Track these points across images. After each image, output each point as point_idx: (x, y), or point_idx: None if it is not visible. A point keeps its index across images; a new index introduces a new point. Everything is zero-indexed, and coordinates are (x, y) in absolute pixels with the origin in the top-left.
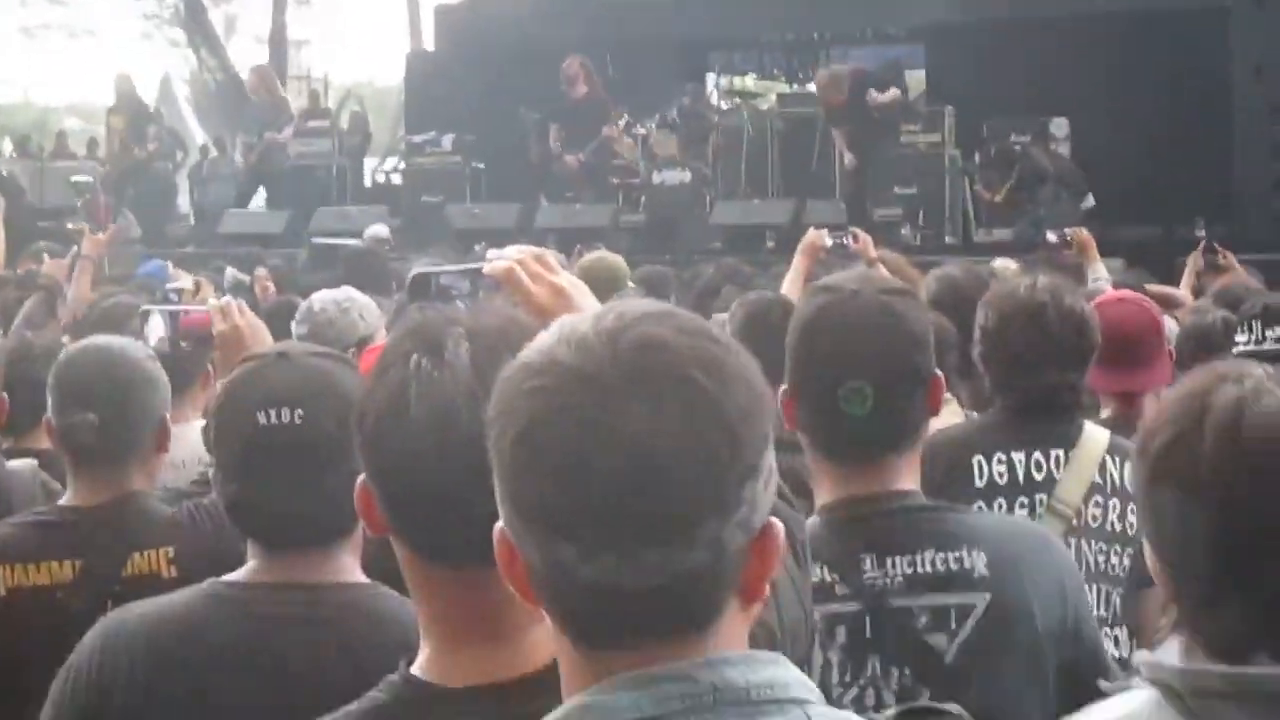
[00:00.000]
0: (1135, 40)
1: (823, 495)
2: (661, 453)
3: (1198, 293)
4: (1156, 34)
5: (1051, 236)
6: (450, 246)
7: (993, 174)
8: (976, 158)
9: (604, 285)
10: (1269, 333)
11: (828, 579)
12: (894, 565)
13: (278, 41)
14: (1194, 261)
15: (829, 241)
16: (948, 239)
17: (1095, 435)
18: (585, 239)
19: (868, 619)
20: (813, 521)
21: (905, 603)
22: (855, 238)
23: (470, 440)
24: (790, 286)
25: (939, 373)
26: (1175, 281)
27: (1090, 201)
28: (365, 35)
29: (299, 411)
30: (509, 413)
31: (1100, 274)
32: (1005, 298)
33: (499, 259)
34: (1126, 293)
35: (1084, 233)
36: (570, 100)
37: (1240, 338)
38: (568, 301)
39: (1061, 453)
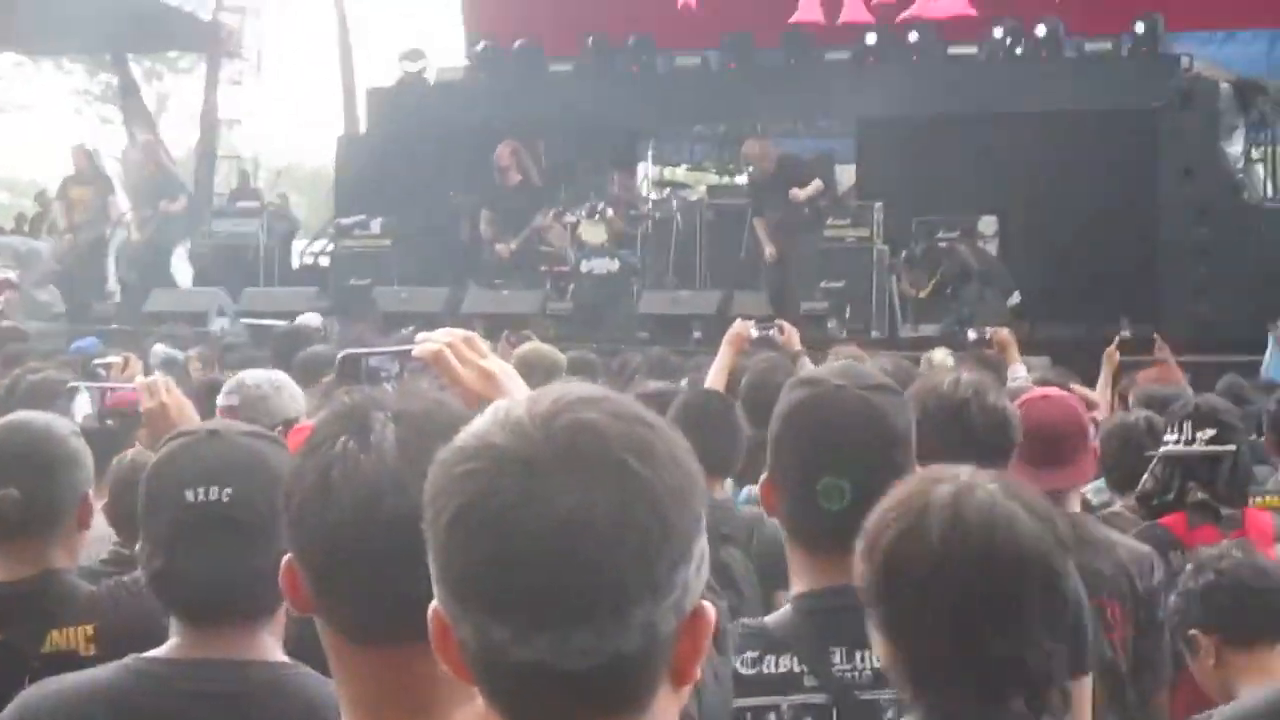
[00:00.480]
0: (1065, 139)
1: (797, 585)
2: (594, 535)
3: (1123, 391)
4: (1086, 134)
5: (972, 334)
6: (377, 329)
7: (918, 271)
8: (903, 254)
9: (541, 376)
10: (1199, 434)
11: (796, 669)
12: (863, 659)
13: (209, 120)
14: (1110, 360)
15: (755, 333)
16: (874, 333)
17: None
18: (513, 325)
19: (835, 711)
20: (784, 611)
21: (873, 696)
22: (781, 330)
23: (394, 522)
24: (715, 377)
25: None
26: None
27: (1016, 299)
28: (298, 116)
29: (227, 490)
30: (443, 494)
31: (1019, 373)
32: (928, 392)
33: (428, 341)
34: (1052, 390)
35: (1004, 332)
36: (502, 187)
37: (1169, 436)
38: (496, 385)
39: None
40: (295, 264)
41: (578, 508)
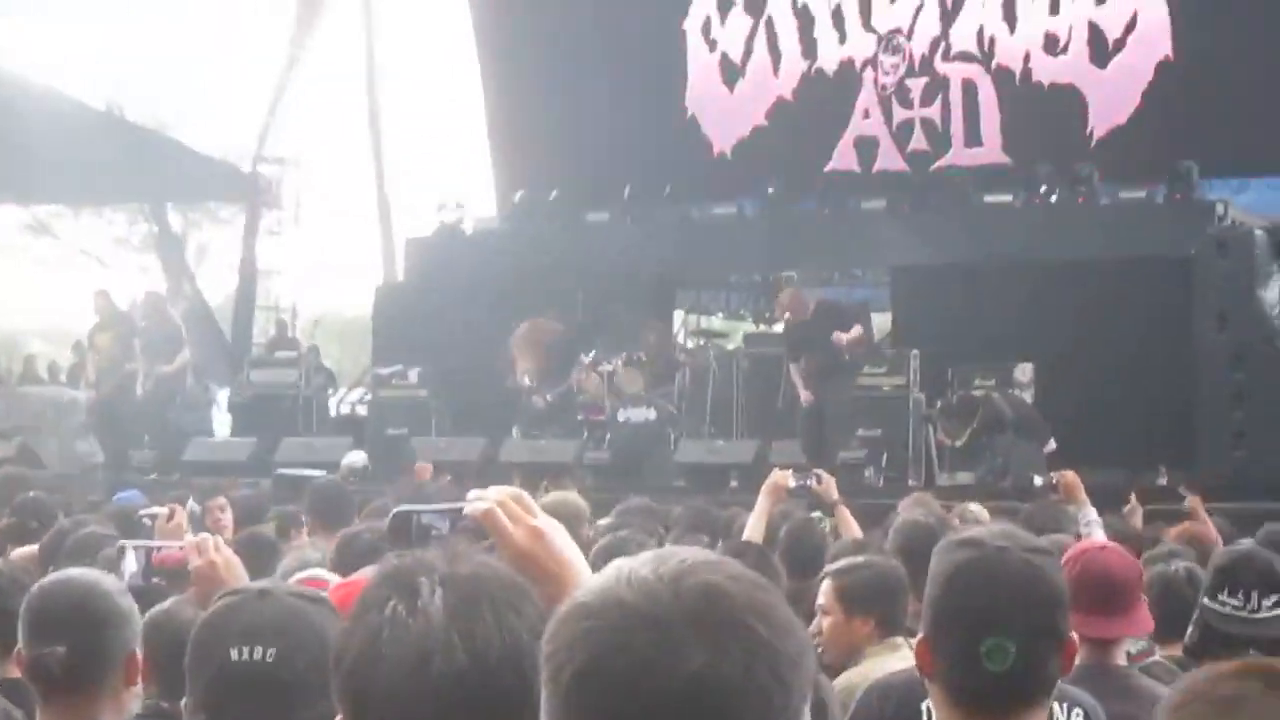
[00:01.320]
0: (1100, 286)
1: None
2: (720, 695)
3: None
4: (1121, 281)
5: (1038, 480)
6: (416, 480)
7: (954, 420)
8: (938, 404)
9: (566, 525)
10: (1264, 601)
11: None
12: None
13: (248, 270)
14: (1134, 506)
15: (793, 483)
16: (910, 482)
17: None
18: (550, 474)
19: None
20: None
21: None
22: (819, 480)
23: (442, 685)
24: (754, 527)
25: (1074, 635)
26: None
27: (1052, 445)
28: (336, 266)
29: (271, 650)
30: (567, 649)
31: (1090, 516)
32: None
33: (479, 500)
34: (1109, 542)
35: (1070, 474)
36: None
37: (1229, 599)
38: (546, 544)
39: None
40: (333, 413)
41: (706, 667)
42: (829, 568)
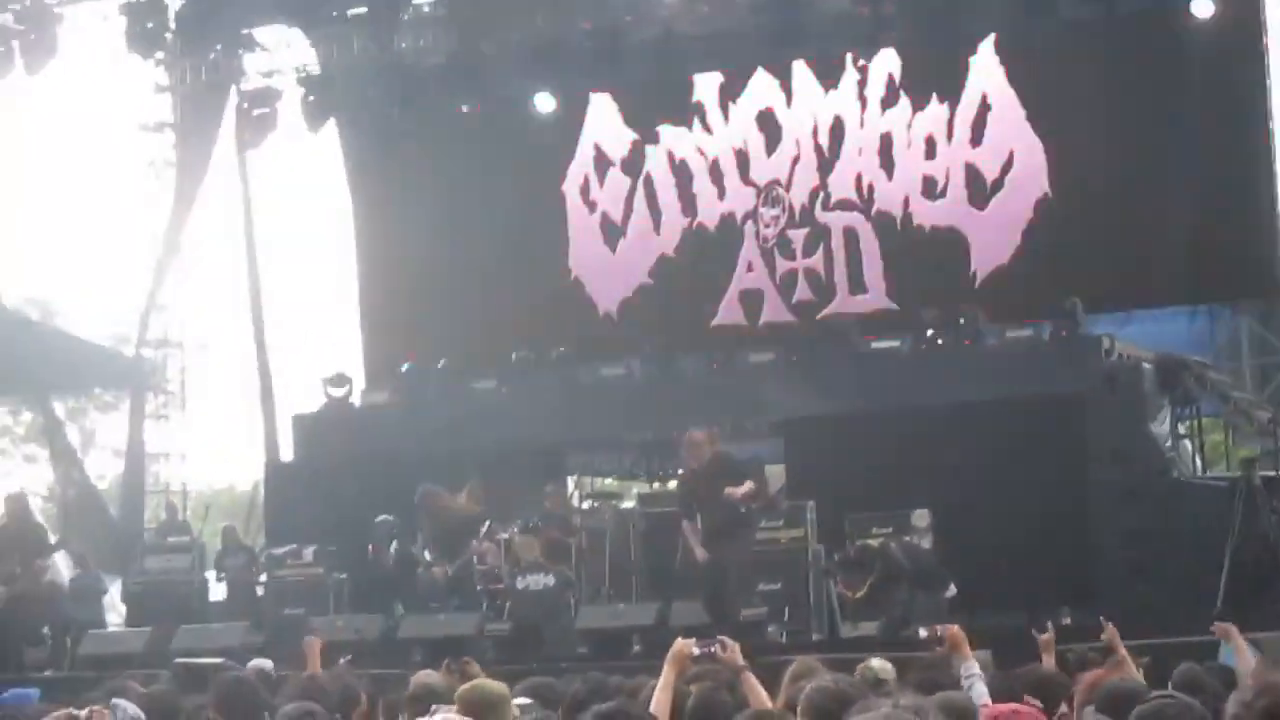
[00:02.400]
0: (992, 428)
1: None
2: None
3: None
4: (1013, 421)
5: (923, 632)
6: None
7: (853, 572)
8: (835, 556)
9: (492, 716)
10: None
11: None
12: None
13: (135, 455)
14: (1047, 647)
15: (697, 650)
16: (814, 635)
17: None
18: (451, 649)
19: None
20: None
21: None
22: (724, 646)
23: None
24: (659, 698)
25: None
26: None
27: (952, 591)
28: (223, 444)
29: None
30: None
31: (973, 670)
32: None
33: None
34: (1020, 707)
35: (955, 629)
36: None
37: None
38: None
39: None
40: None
41: None
42: None
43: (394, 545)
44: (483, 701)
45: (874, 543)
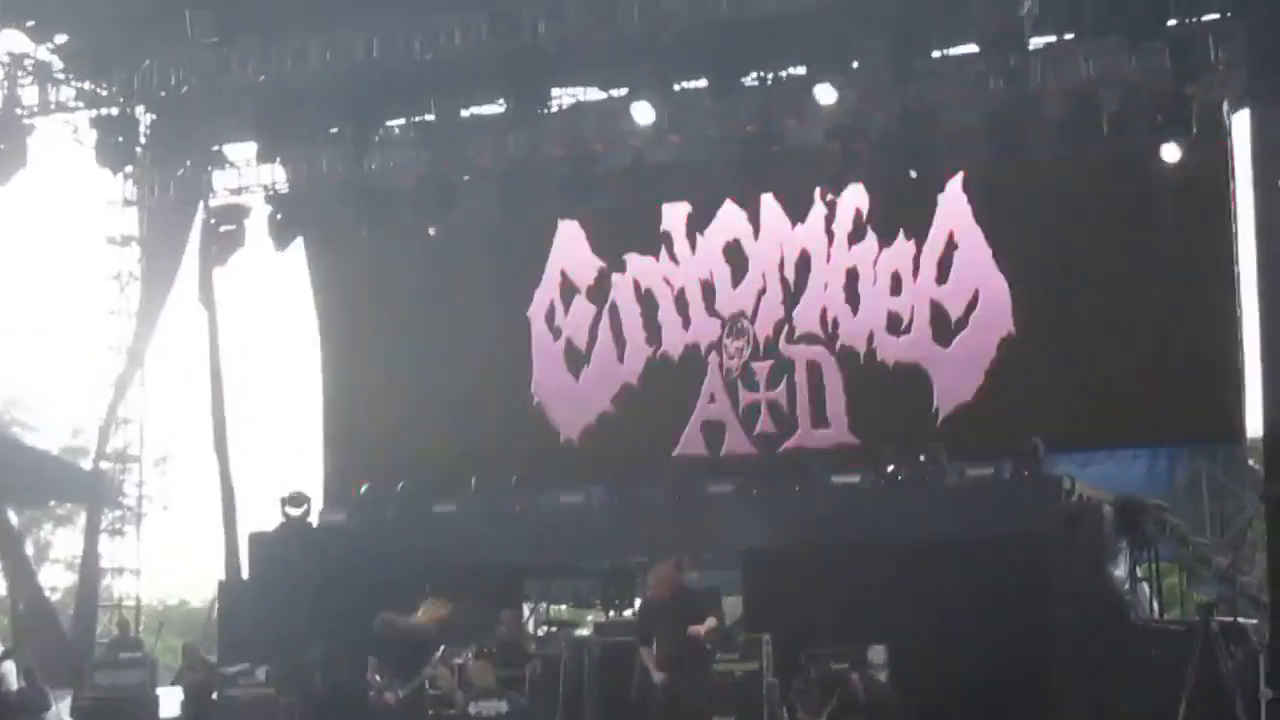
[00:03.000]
0: (951, 567)
1: None
2: None
3: None
4: (972, 560)
5: None
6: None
7: (812, 697)
8: (795, 683)
9: None
10: None
11: None
12: None
13: (89, 569)
14: None
15: None
16: None
17: None
18: None
19: None
20: None
21: None
22: None
23: None
24: None
25: None
26: None
27: None
28: (178, 559)
29: None
30: None
31: None
32: None
33: None
34: None
35: None
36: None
37: None
38: None
39: None
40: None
41: None
42: None
43: (319, 675)
44: None
45: (838, 669)
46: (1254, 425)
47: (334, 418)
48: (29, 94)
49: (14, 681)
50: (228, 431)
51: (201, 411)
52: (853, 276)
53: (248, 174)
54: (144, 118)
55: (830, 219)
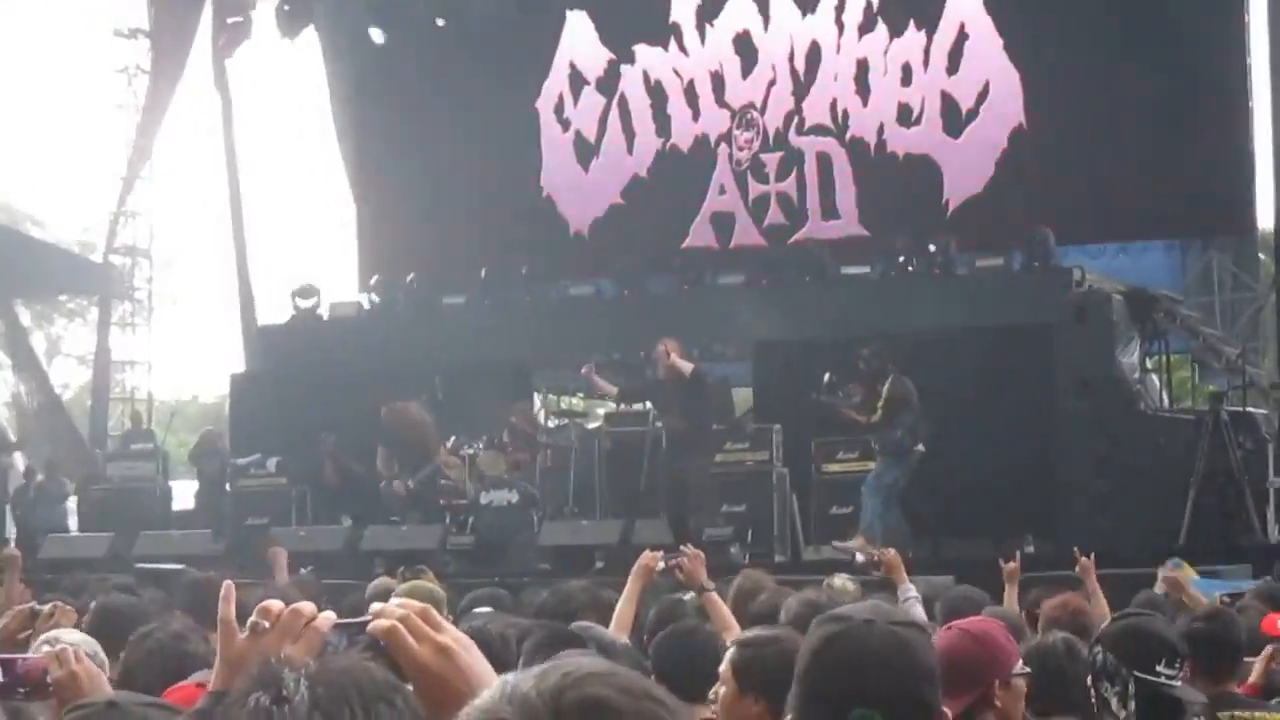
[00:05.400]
0: (960, 356)
1: None
2: None
3: (1029, 609)
4: (981, 350)
5: (860, 557)
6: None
7: (863, 390)
8: (828, 378)
9: None
10: (1182, 671)
11: None
12: None
13: (101, 363)
14: (1011, 576)
15: (662, 564)
16: (777, 558)
17: None
18: (413, 562)
19: None
20: None
21: None
22: (688, 561)
23: None
24: (623, 609)
25: (946, 710)
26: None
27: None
28: (191, 354)
29: None
30: None
31: (910, 593)
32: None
33: (382, 616)
34: (973, 620)
35: (891, 553)
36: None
37: (1169, 671)
38: (454, 662)
39: None
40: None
41: None
42: (737, 635)
43: (328, 465)
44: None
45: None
46: (1265, 218)
47: (358, 213)
48: None
49: (21, 473)
50: (245, 223)
51: (216, 205)
52: (863, 67)
53: None
54: None
55: (840, 9)
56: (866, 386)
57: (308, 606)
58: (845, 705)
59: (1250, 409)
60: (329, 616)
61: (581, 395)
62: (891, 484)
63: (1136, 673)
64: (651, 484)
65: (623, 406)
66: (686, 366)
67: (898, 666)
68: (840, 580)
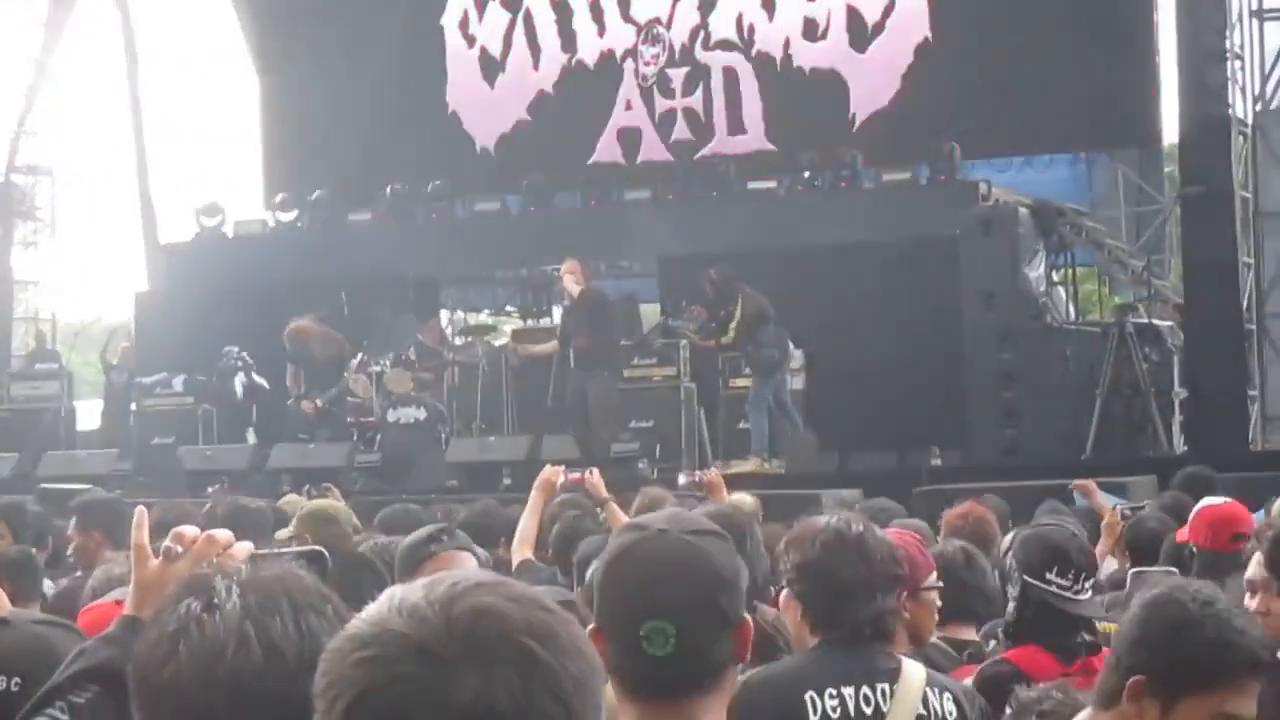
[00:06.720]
0: (867, 270)
1: None
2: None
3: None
4: (888, 264)
5: (683, 479)
6: (184, 488)
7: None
8: (683, 304)
9: (325, 532)
10: (1086, 583)
11: None
12: None
13: (4, 282)
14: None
15: (564, 478)
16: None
17: (913, 669)
18: (321, 480)
19: None
20: None
21: None
22: (590, 475)
23: (237, 679)
24: (526, 523)
25: (749, 618)
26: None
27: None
28: (99, 274)
29: (15, 679)
30: (338, 682)
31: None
32: (823, 531)
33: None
34: (886, 533)
35: (713, 473)
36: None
37: (1060, 580)
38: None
39: (887, 687)
40: (96, 424)
41: (480, 696)
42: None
43: (238, 378)
44: (318, 517)
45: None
46: (1170, 130)
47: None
48: None
49: None
50: (146, 140)
51: (118, 122)
52: None
53: None
54: None
55: None
56: (710, 309)
57: (224, 534)
58: (639, 618)
59: (1156, 321)
60: (246, 546)
61: (488, 311)
62: (771, 398)
63: (1026, 577)
64: (559, 400)
65: (529, 322)
66: (574, 289)
67: (693, 576)
68: (737, 496)
